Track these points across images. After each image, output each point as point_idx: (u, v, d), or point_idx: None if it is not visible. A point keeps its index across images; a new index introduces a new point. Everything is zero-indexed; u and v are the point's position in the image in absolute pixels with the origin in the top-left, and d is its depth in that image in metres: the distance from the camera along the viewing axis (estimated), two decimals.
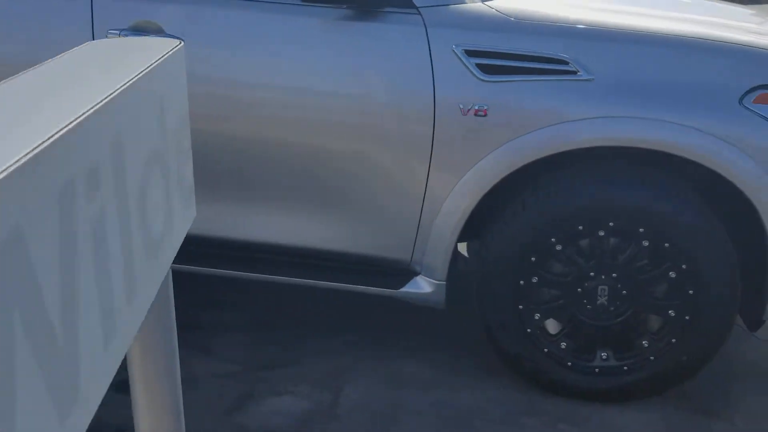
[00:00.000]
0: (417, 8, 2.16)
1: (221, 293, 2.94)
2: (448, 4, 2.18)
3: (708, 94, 2.05)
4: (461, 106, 2.13)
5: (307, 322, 2.80)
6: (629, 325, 2.29)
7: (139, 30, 2.28)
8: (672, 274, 2.19)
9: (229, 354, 2.62)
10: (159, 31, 2.27)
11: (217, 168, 2.34)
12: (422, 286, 2.36)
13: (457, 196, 2.21)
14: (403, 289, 2.37)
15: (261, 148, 2.29)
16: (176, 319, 2.48)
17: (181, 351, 2.61)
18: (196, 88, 2.25)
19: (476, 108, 2.12)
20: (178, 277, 2.38)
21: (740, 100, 2.03)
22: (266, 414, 2.31)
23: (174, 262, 2.35)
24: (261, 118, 2.26)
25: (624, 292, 2.25)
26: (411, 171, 2.23)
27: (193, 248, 2.37)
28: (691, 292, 2.19)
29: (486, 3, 2.21)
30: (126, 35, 2.28)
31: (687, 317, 2.22)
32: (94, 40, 2.28)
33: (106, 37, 2.29)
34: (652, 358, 2.30)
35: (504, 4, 2.24)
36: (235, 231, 2.41)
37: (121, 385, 2.30)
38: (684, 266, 2.17)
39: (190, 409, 2.28)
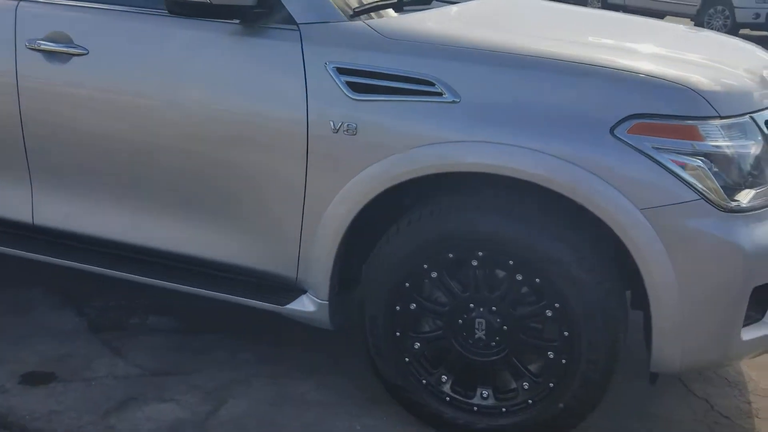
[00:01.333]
0: (297, 24, 2.15)
1: (156, 298, 3.00)
2: (327, 22, 2.16)
3: (578, 122, 1.90)
4: (332, 124, 2.10)
5: (231, 331, 2.81)
6: (510, 363, 2.16)
7: (51, 41, 2.40)
8: (548, 313, 2.05)
9: (137, 357, 2.67)
10: (68, 42, 2.38)
11: (114, 172, 2.42)
12: (306, 304, 2.32)
13: (332, 216, 2.17)
14: (289, 306, 2.34)
15: (152, 155, 2.35)
16: (102, 320, 2.58)
17: (92, 350, 2.72)
18: (98, 94, 2.36)
19: (346, 126, 2.08)
20: (113, 280, 2.51)
21: (612, 130, 1.88)
22: (140, 419, 2.33)
23: (74, 261, 2.45)
24: (150, 127, 2.32)
25: (504, 327, 2.13)
26: (289, 187, 2.21)
27: (94, 248, 2.47)
28: (566, 333, 2.04)
29: (367, 21, 2.17)
30: (41, 45, 2.41)
31: (564, 361, 2.07)
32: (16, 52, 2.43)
33: (25, 47, 2.43)
34: (530, 401, 2.15)
35: (384, 23, 2.19)
36: (130, 235, 2.47)
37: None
38: (557, 305, 2.02)
39: (73, 406, 2.38)
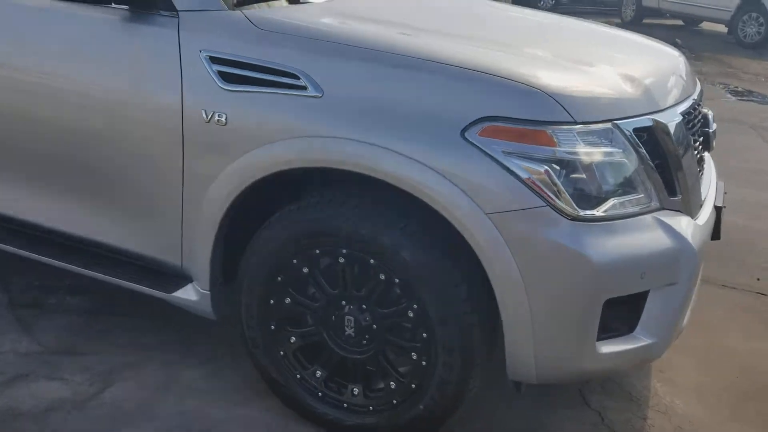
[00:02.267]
0: (177, 11, 2.15)
1: (80, 279, 3.04)
2: (207, 10, 2.15)
3: (432, 122, 1.86)
4: (204, 114, 2.09)
5: (141, 316, 2.84)
6: (378, 362, 2.13)
7: None
8: (410, 314, 2.02)
9: (43, 336, 2.72)
10: None
11: (12, 154, 2.46)
12: (190, 293, 2.33)
13: (209, 204, 2.17)
14: (175, 294, 2.35)
15: (43, 139, 2.39)
16: (23, 297, 2.61)
17: (3, 325, 2.77)
18: None
19: (216, 117, 2.08)
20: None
21: (463, 132, 1.83)
22: (23, 396, 2.38)
23: None
24: (39, 111, 2.35)
25: (374, 326, 2.10)
26: (168, 173, 2.21)
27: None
28: (424, 335, 2.01)
29: (245, 11, 2.15)
30: None
31: (423, 362, 2.03)
32: None
33: None
34: (395, 401, 2.13)
35: (260, 14, 2.17)
36: (31, 215, 2.52)
37: None
38: (415, 306, 1.99)
39: None
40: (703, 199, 2.25)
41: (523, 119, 1.81)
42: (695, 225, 2.07)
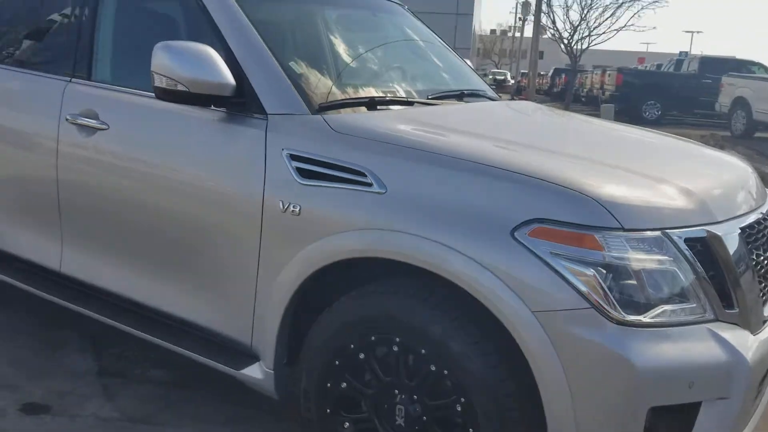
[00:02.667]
0: (267, 114, 2.41)
1: (164, 352, 3.27)
2: (292, 114, 2.40)
3: (485, 221, 1.97)
4: (281, 204, 2.31)
5: (217, 390, 3.01)
6: None
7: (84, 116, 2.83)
8: (458, 408, 2.07)
9: (124, 403, 2.93)
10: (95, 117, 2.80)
11: (118, 231, 2.77)
12: (256, 371, 2.48)
13: (279, 287, 2.34)
14: (243, 371, 2.50)
15: (141, 214, 2.68)
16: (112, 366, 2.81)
17: (91, 391, 2.99)
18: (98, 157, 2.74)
19: (292, 207, 2.28)
20: None
21: (513, 232, 1.93)
22: None
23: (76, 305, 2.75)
24: (147, 194, 2.66)
25: (423, 417, 2.16)
26: (247, 256, 2.42)
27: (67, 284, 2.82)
28: (471, 430, 2.04)
29: (324, 115, 2.39)
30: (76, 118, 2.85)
31: None
32: None
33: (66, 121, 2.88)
34: None
35: (337, 118, 2.39)
36: (124, 288, 2.78)
37: None
38: (462, 399, 2.04)
39: None
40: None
41: (572, 223, 1.89)
42: (754, 339, 2.03)
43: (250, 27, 2.57)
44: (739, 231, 2.11)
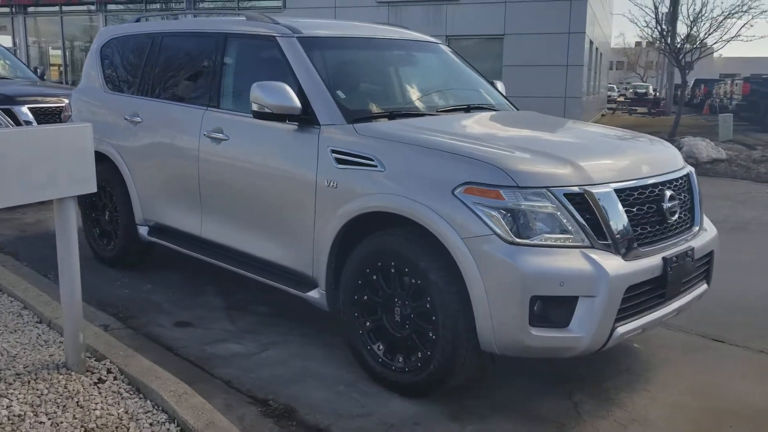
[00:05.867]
0: (320, 125, 3.76)
1: (263, 291, 4.69)
2: (335, 124, 3.72)
3: (438, 184, 3.15)
4: (326, 182, 3.63)
5: (294, 316, 4.39)
6: (412, 338, 3.38)
7: (215, 131, 4.33)
8: (427, 305, 3.27)
9: (240, 323, 4.37)
10: (221, 132, 4.29)
11: (232, 205, 4.23)
12: (315, 294, 3.81)
13: (327, 234, 3.65)
14: (307, 294, 3.85)
15: (247, 196, 4.11)
16: (233, 303, 4.37)
17: (221, 318, 4.46)
18: (223, 158, 4.21)
19: (334, 184, 3.60)
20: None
21: (453, 190, 3.11)
22: (219, 350, 3.99)
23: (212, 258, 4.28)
24: (250, 179, 4.09)
25: (411, 315, 3.38)
26: (307, 216, 3.75)
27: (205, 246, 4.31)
28: (433, 318, 3.23)
29: (354, 124, 3.68)
30: (210, 133, 4.35)
31: (432, 336, 3.24)
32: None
33: (203, 135, 4.40)
34: (419, 364, 3.33)
35: (363, 125, 3.65)
36: (235, 242, 4.24)
37: None
38: (429, 299, 3.24)
39: None
40: (650, 249, 3.22)
41: (486, 183, 3.05)
42: (623, 262, 3.08)
43: (312, 69, 3.93)
44: (613, 191, 3.16)
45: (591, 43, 21.44)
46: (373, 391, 3.48)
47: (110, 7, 25.56)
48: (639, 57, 77.97)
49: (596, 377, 3.69)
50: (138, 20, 5.66)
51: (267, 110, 3.76)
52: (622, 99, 46.38)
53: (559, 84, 18.50)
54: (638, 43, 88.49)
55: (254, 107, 3.80)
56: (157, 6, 23.24)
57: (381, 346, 3.51)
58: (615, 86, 57.01)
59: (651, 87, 56.57)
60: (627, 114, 32.03)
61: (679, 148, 12.95)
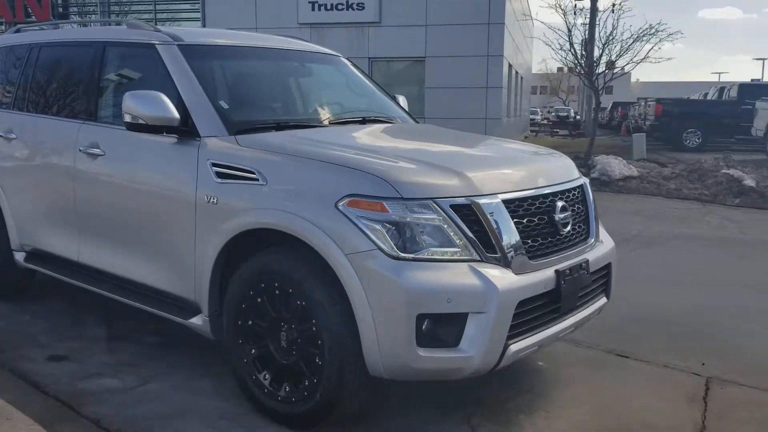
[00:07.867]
0: (200, 137, 3.49)
1: (150, 322, 4.35)
2: (216, 136, 3.46)
3: (318, 198, 2.92)
4: (206, 197, 3.36)
5: (179, 344, 4.06)
6: (299, 365, 3.12)
7: (91, 146, 4.00)
8: (313, 328, 3.02)
9: (120, 355, 4.01)
10: (97, 146, 3.96)
11: (107, 224, 3.89)
12: (198, 320, 3.51)
13: (207, 254, 3.36)
14: (189, 321, 3.54)
15: (121, 213, 3.80)
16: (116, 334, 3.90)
17: (99, 350, 4.09)
18: (99, 176, 3.88)
19: (214, 200, 3.33)
20: None
21: (336, 204, 2.90)
22: (92, 386, 3.62)
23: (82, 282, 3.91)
24: (120, 197, 3.78)
25: (298, 339, 3.12)
26: (187, 235, 3.46)
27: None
28: (319, 342, 2.99)
29: (237, 136, 3.43)
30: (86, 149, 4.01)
31: (319, 361, 3.00)
32: None
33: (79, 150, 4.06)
34: (306, 393, 3.08)
35: (246, 137, 3.40)
36: (108, 265, 3.90)
37: None
38: (314, 321, 3.00)
39: None
40: (542, 262, 3.08)
41: (370, 195, 2.85)
42: (514, 276, 2.92)
43: (194, 77, 3.67)
44: (502, 202, 3.01)
45: (510, 66, 21.87)
46: (259, 425, 3.20)
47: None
48: (561, 82, 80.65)
49: (496, 398, 3.52)
50: (18, 31, 5.28)
51: (141, 121, 3.48)
52: (545, 122, 47.73)
53: (479, 106, 18.71)
54: (560, 69, 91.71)
55: (127, 118, 3.51)
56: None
57: (267, 375, 3.24)
58: (539, 110, 58.75)
59: (572, 110, 58.36)
60: (549, 136, 32.81)
61: (593, 166, 13.21)
